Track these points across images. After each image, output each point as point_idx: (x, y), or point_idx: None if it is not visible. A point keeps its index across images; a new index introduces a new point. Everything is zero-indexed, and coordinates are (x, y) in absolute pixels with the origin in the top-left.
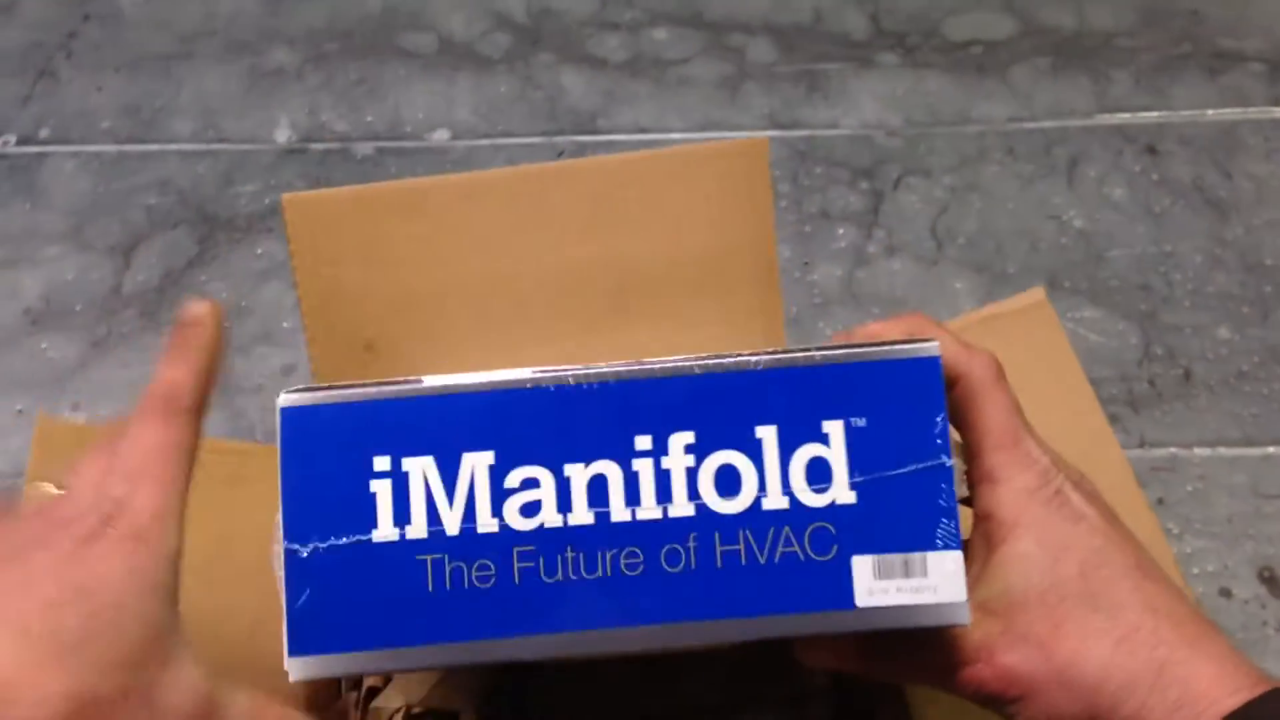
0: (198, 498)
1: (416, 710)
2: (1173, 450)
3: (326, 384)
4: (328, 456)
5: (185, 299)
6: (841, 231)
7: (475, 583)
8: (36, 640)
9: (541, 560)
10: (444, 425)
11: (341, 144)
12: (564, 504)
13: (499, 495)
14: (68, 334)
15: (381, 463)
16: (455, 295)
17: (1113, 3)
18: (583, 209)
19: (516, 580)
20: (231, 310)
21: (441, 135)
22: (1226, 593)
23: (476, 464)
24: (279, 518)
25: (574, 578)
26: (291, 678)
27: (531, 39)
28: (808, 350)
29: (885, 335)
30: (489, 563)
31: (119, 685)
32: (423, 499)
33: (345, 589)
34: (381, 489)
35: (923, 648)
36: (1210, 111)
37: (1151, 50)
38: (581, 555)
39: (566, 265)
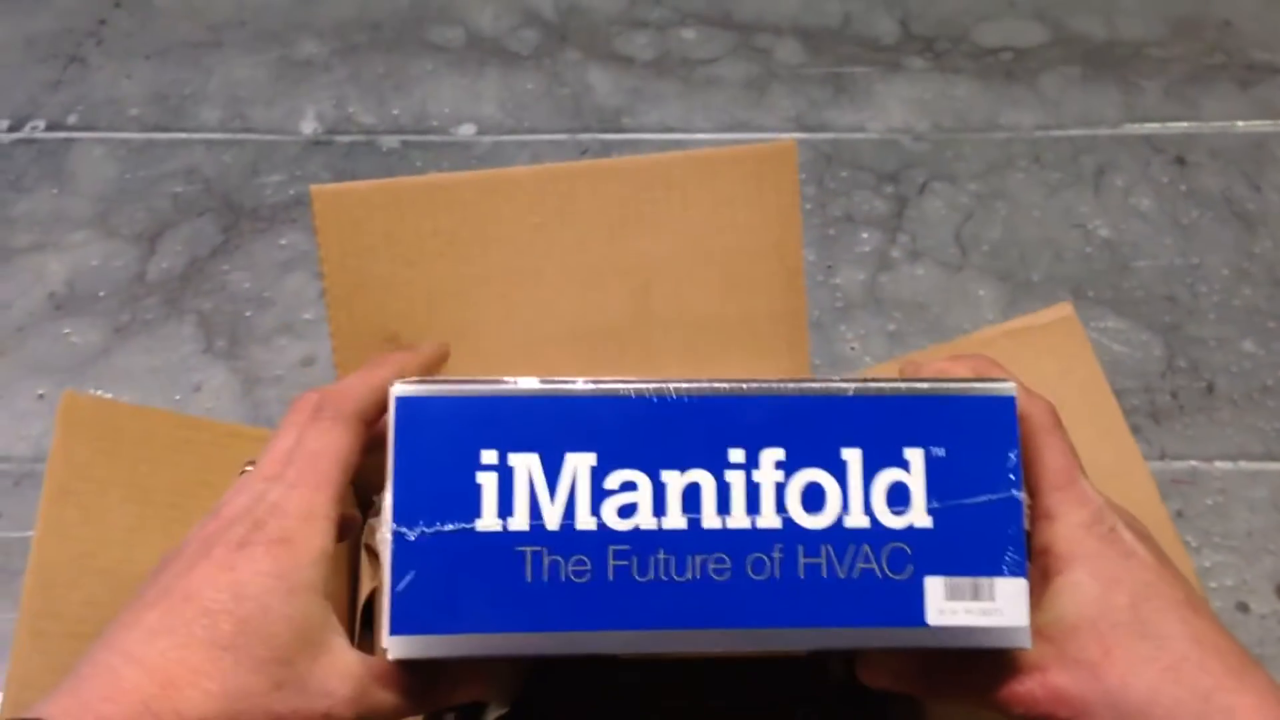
0: (218, 480)
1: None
2: (1193, 463)
3: (440, 378)
4: (437, 446)
5: (208, 288)
6: (865, 236)
7: (571, 577)
8: (197, 645)
9: (635, 560)
10: (550, 425)
11: (367, 136)
12: (659, 508)
13: (598, 495)
14: (91, 319)
15: (489, 456)
16: (479, 291)
17: (1144, 12)
18: (609, 209)
19: (610, 577)
20: (253, 300)
21: (467, 130)
22: (1244, 607)
23: (579, 464)
24: (386, 500)
25: (664, 579)
26: (390, 656)
27: (559, 35)
28: (895, 382)
29: (953, 373)
30: (585, 558)
31: (272, 679)
32: (526, 493)
33: (447, 574)
34: (487, 481)
35: (980, 668)
36: (1241, 123)
37: (1182, 61)
38: (673, 558)
39: (591, 264)
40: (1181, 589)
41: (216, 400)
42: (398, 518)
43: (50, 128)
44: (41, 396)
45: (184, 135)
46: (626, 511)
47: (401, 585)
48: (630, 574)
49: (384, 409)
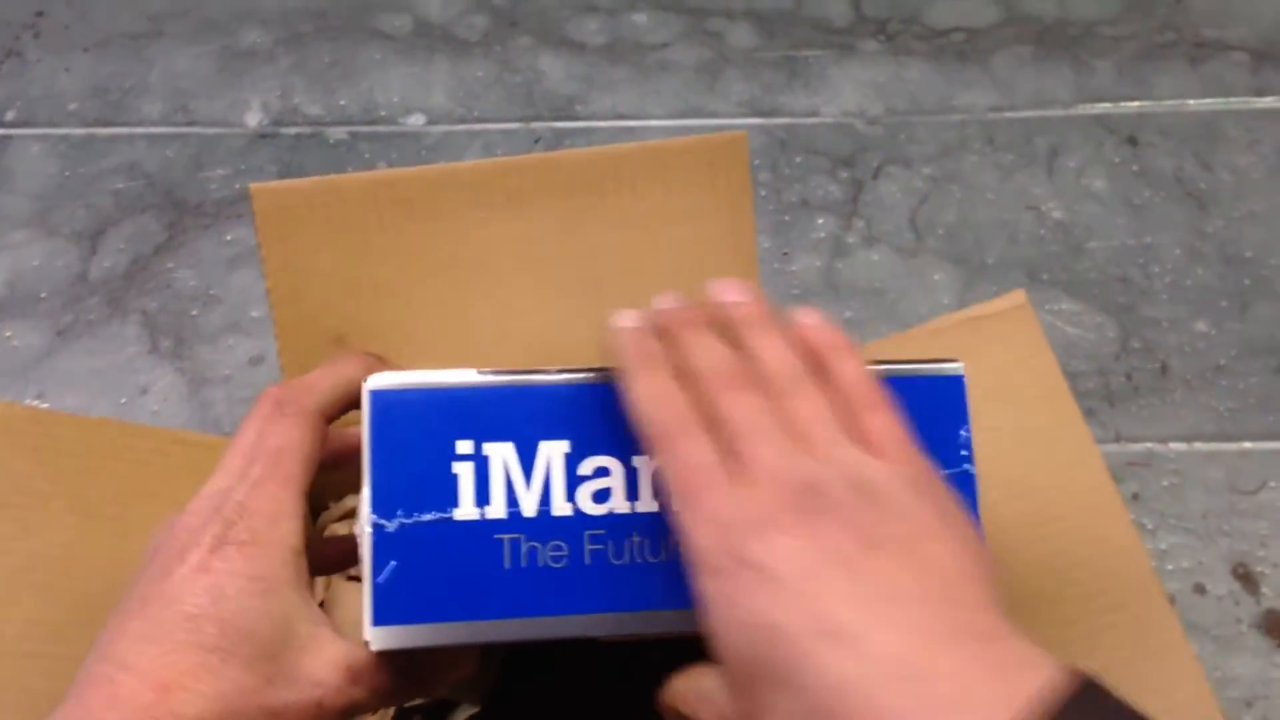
0: (162, 489)
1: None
2: (1149, 445)
3: (412, 371)
4: (412, 438)
5: (153, 286)
6: (821, 221)
7: (550, 562)
8: (185, 650)
9: (610, 544)
10: (523, 414)
11: (314, 128)
12: (632, 492)
13: (573, 481)
14: (32, 322)
15: (464, 446)
16: (428, 288)
17: None
18: (559, 202)
19: (587, 561)
20: (199, 298)
21: (416, 120)
22: (1201, 589)
23: (553, 452)
24: (365, 493)
25: (639, 561)
26: (374, 647)
27: (509, 21)
28: None
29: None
30: (562, 544)
31: (262, 675)
32: (502, 482)
33: (427, 564)
34: (464, 471)
35: None
36: (1192, 102)
37: (1134, 39)
38: (647, 541)
39: (542, 258)
40: None
41: (163, 402)
42: (376, 509)
43: None
44: None
45: (125, 130)
46: (601, 497)
47: (382, 576)
48: (606, 558)
49: (345, 405)
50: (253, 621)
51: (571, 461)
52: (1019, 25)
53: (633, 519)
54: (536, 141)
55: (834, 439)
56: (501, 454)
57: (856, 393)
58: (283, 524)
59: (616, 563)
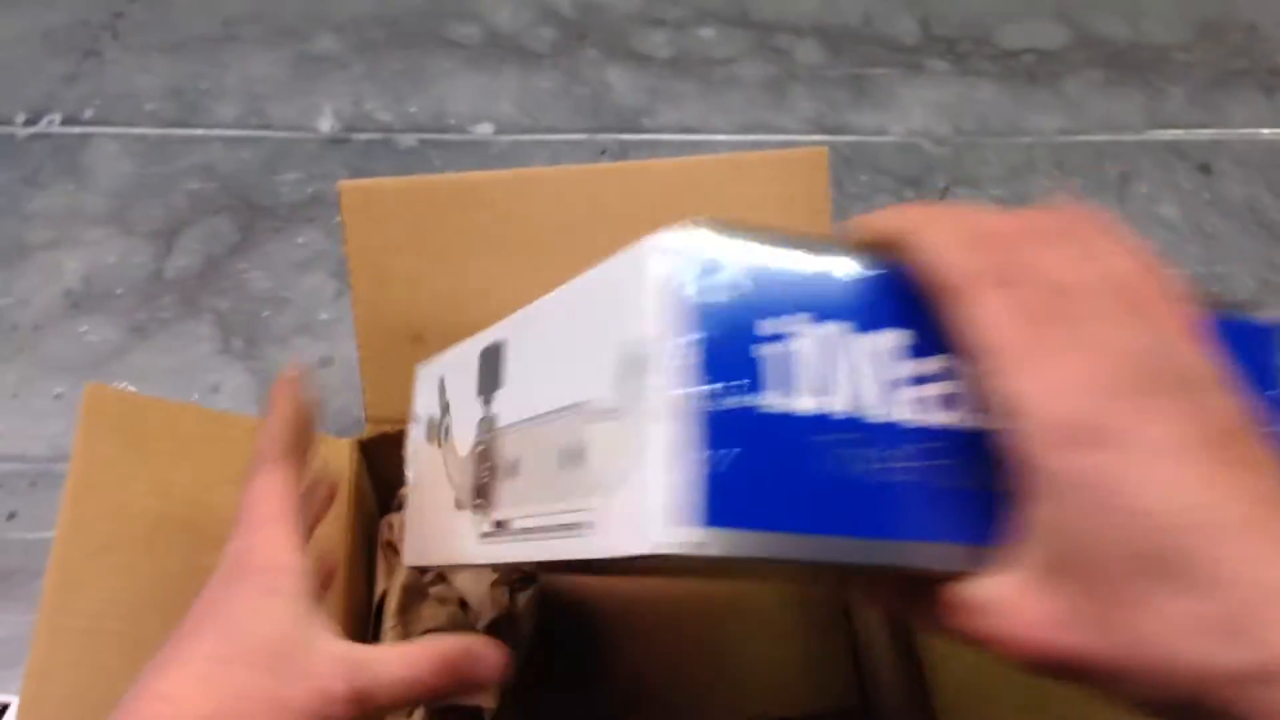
0: (240, 478)
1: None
2: None
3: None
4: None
5: (225, 286)
6: None
7: (895, 475)
8: (201, 663)
9: (958, 461)
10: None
11: (384, 134)
12: (976, 404)
13: (913, 381)
14: (108, 317)
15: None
16: (505, 291)
17: (1168, 16)
18: (638, 211)
19: (924, 479)
20: (270, 300)
21: (485, 129)
22: None
23: (887, 343)
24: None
25: (985, 489)
26: (712, 551)
27: (578, 33)
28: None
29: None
30: (899, 453)
31: (269, 670)
32: (848, 374)
33: (767, 458)
34: (799, 349)
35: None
36: (1266, 131)
37: (1207, 65)
38: (991, 461)
39: None
40: None
41: (234, 400)
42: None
43: (66, 122)
44: (59, 396)
45: (201, 131)
46: (945, 403)
47: (724, 465)
48: (955, 476)
49: (302, 438)
50: (258, 624)
51: (908, 357)
52: (1091, 48)
53: (981, 435)
54: (602, 153)
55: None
56: (828, 336)
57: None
58: (283, 553)
59: (955, 485)
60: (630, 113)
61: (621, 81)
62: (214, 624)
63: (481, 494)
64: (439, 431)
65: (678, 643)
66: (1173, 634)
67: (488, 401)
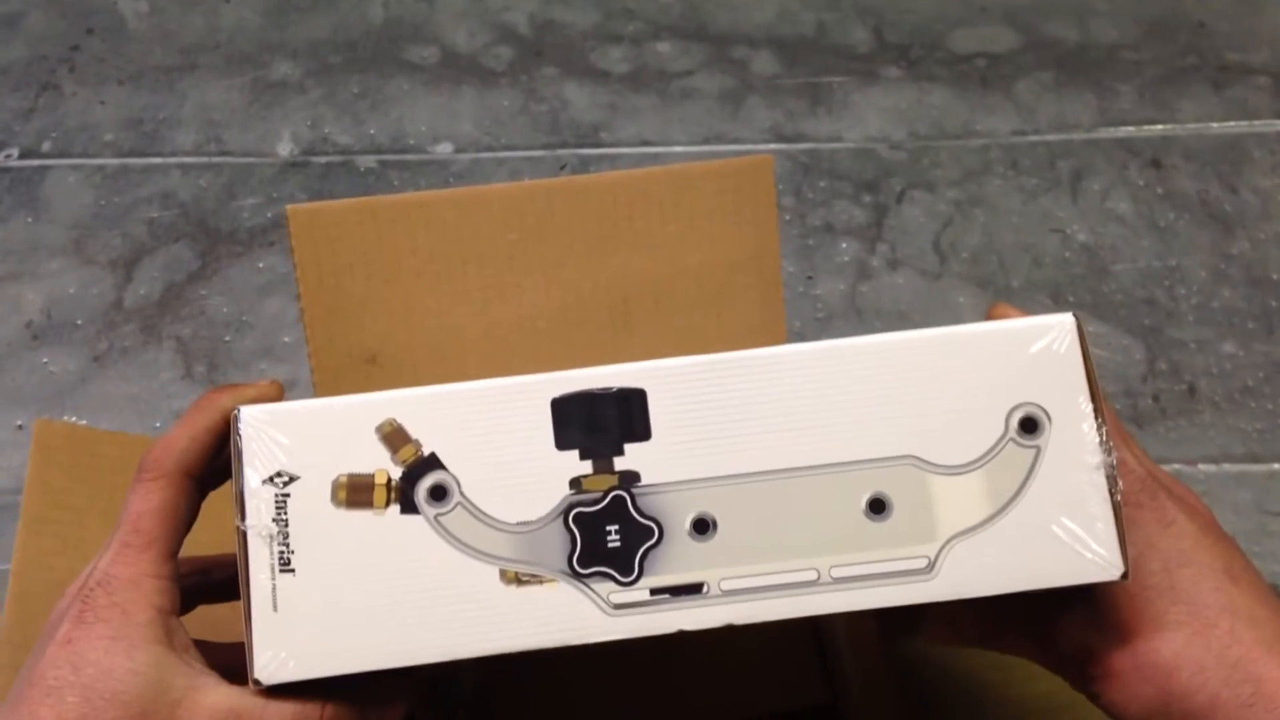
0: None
1: None
2: (1177, 466)
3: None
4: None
5: (186, 313)
6: (845, 245)
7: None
8: None
9: None
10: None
11: (344, 157)
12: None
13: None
14: (69, 348)
15: None
16: (458, 309)
17: (1117, 15)
18: (587, 225)
19: None
20: (232, 325)
21: (444, 148)
22: None
23: None
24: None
25: None
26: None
27: (534, 51)
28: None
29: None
30: None
31: None
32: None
33: None
34: None
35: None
36: (1215, 125)
37: (1156, 63)
38: None
39: (570, 280)
40: (1221, 556)
41: None
42: None
43: (24, 155)
44: (20, 427)
45: (159, 160)
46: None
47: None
48: None
49: (207, 456)
50: (117, 681)
51: None
52: (1040, 50)
53: None
54: (562, 168)
55: None
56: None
57: None
58: (142, 586)
59: None
60: (589, 128)
61: (579, 97)
62: (76, 681)
63: (608, 561)
64: (412, 493)
65: (642, 644)
66: (1165, 642)
67: (605, 456)
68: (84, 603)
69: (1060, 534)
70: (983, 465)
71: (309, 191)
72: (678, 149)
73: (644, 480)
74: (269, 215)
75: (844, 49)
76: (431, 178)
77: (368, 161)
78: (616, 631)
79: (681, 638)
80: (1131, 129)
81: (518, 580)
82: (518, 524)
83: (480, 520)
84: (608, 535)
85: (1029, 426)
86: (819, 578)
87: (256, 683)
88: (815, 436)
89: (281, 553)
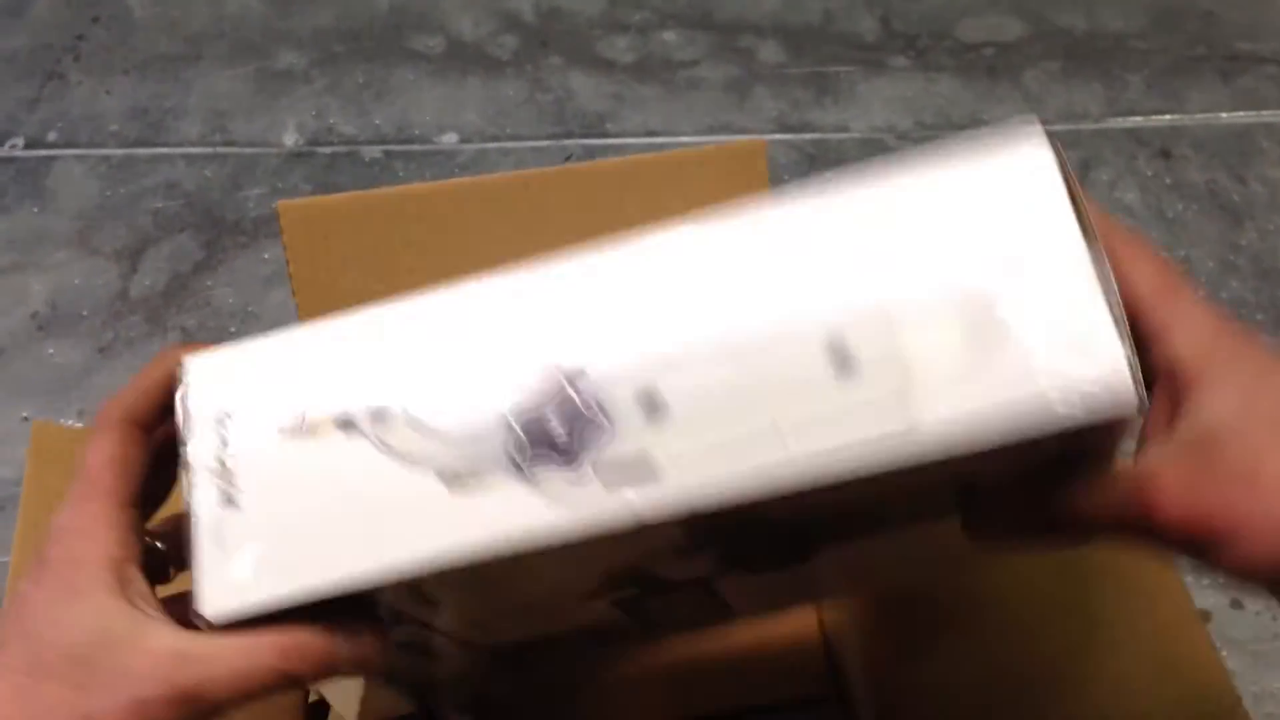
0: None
1: None
2: None
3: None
4: None
5: (191, 304)
6: None
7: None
8: (8, 681)
9: None
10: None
11: (349, 147)
12: None
13: None
14: (74, 339)
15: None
16: None
17: (1125, 4)
18: (582, 214)
19: None
20: (238, 315)
21: (450, 138)
22: (1238, 604)
23: None
24: None
25: None
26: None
27: (540, 40)
28: None
29: None
30: None
31: (73, 682)
32: None
33: None
34: None
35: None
36: (1224, 115)
37: (1164, 53)
38: None
39: None
40: None
41: None
42: None
43: (30, 145)
44: (26, 419)
45: (164, 150)
46: None
47: None
48: None
49: (157, 407)
50: (61, 631)
51: None
52: (1048, 40)
53: None
54: (568, 158)
55: None
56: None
57: None
58: (98, 534)
59: None
60: (594, 118)
61: (585, 87)
62: (19, 630)
63: (555, 447)
64: (369, 417)
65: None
66: None
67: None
68: (39, 557)
69: (1053, 376)
70: (958, 307)
71: (314, 182)
72: (684, 139)
73: (587, 373)
74: (274, 206)
75: (851, 38)
76: (437, 168)
77: (373, 152)
78: (565, 523)
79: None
80: (1140, 119)
81: (461, 485)
82: (459, 430)
83: (421, 432)
84: (558, 426)
85: (1009, 263)
86: (786, 448)
87: (202, 619)
88: (768, 298)
89: (223, 488)
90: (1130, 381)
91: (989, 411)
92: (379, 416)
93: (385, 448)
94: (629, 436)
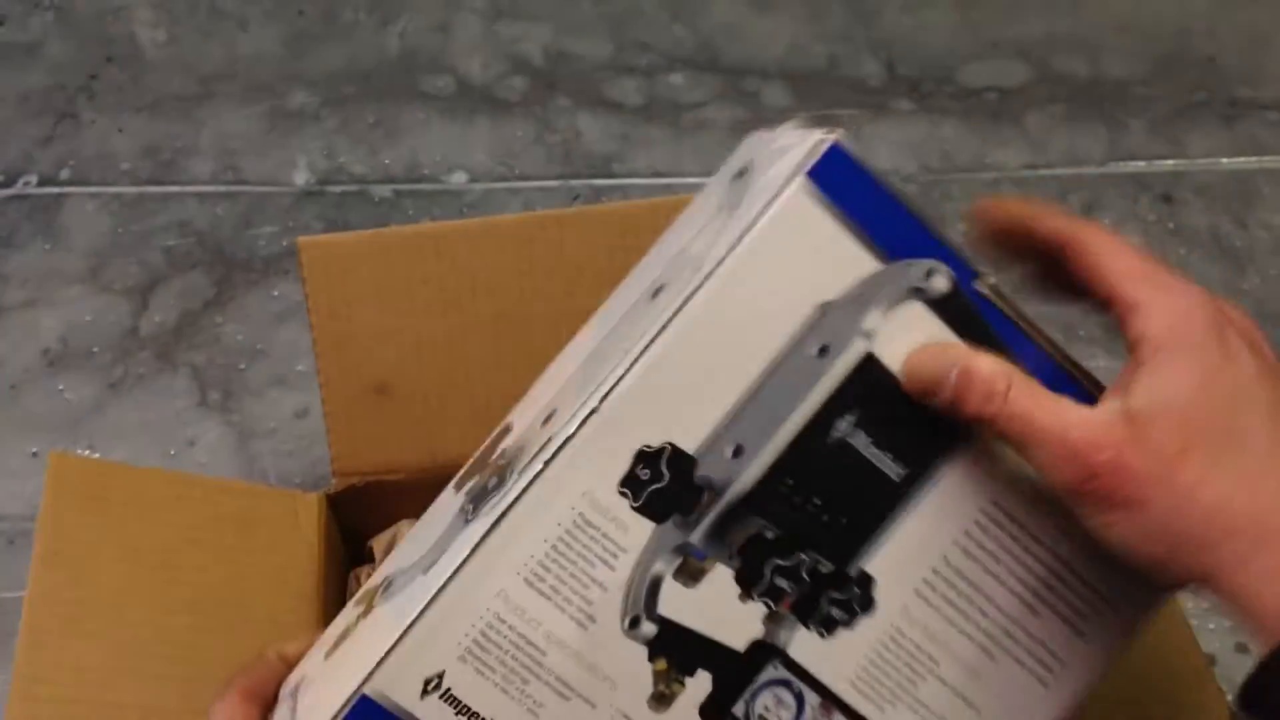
0: (208, 537)
1: None
2: None
3: None
4: None
5: (201, 341)
6: None
7: None
8: None
9: None
10: None
11: (359, 186)
12: None
13: None
14: (85, 375)
15: None
16: (469, 340)
17: (1127, 50)
18: (597, 255)
19: None
20: (246, 352)
21: (459, 178)
22: (1243, 648)
23: None
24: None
25: None
26: None
27: (548, 82)
28: None
29: None
30: None
31: None
32: None
33: None
34: None
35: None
36: (1226, 160)
37: (1167, 98)
38: None
39: (580, 311)
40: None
41: (211, 455)
42: None
43: (42, 183)
44: (35, 455)
45: (176, 188)
46: None
47: None
48: None
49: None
50: None
51: None
52: (1051, 84)
53: None
54: (575, 198)
55: None
56: None
57: None
58: None
59: None
60: (601, 159)
61: (593, 128)
62: None
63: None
64: None
65: None
66: (1212, 483)
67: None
68: None
69: None
70: None
71: (325, 220)
72: (690, 180)
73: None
74: (284, 244)
75: (855, 82)
76: (446, 207)
77: (383, 191)
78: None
79: None
80: (1142, 164)
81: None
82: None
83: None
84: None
85: None
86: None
87: None
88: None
89: None
90: None
91: None
92: None
93: None
94: None
